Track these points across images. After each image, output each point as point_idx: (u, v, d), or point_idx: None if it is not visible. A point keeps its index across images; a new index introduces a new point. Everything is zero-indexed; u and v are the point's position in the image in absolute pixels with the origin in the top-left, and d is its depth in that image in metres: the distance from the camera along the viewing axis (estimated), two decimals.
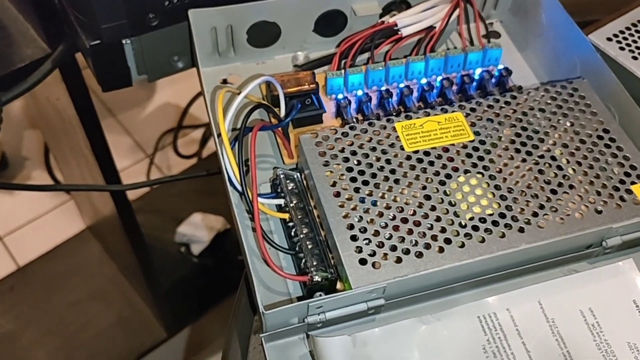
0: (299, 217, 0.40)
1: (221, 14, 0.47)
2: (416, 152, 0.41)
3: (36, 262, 1.06)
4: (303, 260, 0.38)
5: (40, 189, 0.53)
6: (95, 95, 0.60)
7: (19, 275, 1.06)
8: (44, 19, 0.51)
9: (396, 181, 0.39)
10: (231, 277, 1.06)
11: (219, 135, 0.41)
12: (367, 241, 0.37)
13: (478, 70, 0.48)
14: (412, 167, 0.40)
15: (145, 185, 0.62)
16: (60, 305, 1.01)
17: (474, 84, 0.47)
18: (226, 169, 0.40)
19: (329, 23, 0.50)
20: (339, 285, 0.38)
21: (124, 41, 0.47)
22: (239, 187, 0.40)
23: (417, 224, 0.37)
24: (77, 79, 0.56)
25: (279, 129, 0.44)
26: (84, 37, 0.46)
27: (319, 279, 0.37)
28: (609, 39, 0.50)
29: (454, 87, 0.47)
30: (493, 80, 0.47)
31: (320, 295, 0.38)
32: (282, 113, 0.44)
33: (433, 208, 0.38)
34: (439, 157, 0.40)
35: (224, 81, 0.49)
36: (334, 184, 0.39)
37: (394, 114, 0.45)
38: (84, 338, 0.98)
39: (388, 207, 0.38)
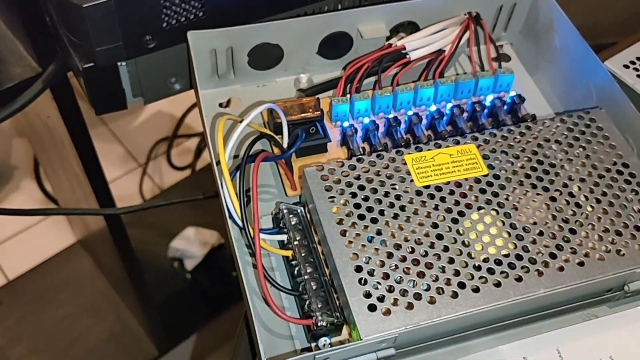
0: (303, 255, 0.38)
1: (222, 35, 0.44)
2: (427, 187, 0.39)
3: (26, 276, 1.04)
4: (307, 302, 0.36)
5: (32, 213, 0.51)
6: (85, 103, 0.57)
7: (8, 289, 1.03)
8: (34, 37, 0.49)
9: (407, 219, 0.37)
10: (225, 294, 1.04)
11: (218, 163, 0.39)
12: (376, 285, 0.34)
13: (489, 97, 0.46)
14: (423, 204, 0.38)
15: (140, 209, 0.60)
16: (50, 320, 0.98)
17: (485, 111, 0.45)
18: (226, 202, 0.38)
19: (334, 45, 0.48)
20: (345, 330, 0.36)
21: (119, 63, 0.44)
22: (240, 223, 0.37)
23: (429, 266, 0.35)
24: (68, 99, 0.54)
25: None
26: (76, 58, 0.44)
27: (325, 324, 0.35)
28: (626, 66, 0.48)
29: (465, 115, 0.45)
30: (505, 107, 0.45)
31: (325, 340, 0.36)
32: (285, 142, 0.42)
33: (446, 248, 0.36)
34: (452, 192, 0.38)
35: (225, 104, 0.47)
36: (340, 222, 0.37)
37: (403, 144, 0.43)
38: (74, 355, 0.95)
39: (398, 247, 0.36)
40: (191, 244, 1.03)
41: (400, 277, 0.35)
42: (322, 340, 0.35)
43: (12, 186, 1.21)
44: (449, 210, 0.38)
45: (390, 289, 0.34)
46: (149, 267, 0.99)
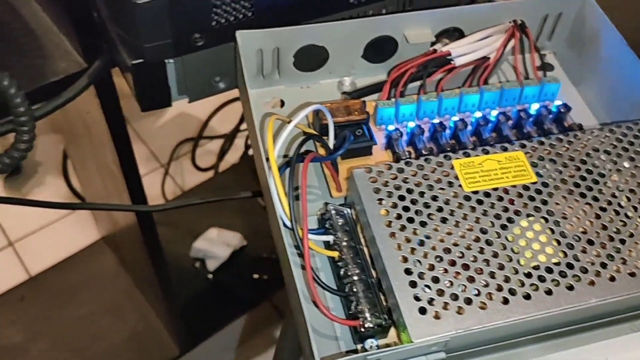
0: (350, 256, 0.38)
1: (270, 36, 0.45)
2: (476, 192, 0.38)
3: (48, 272, 1.04)
4: (354, 304, 0.36)
5: (64, 206, 0.51)
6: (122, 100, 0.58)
7: (31, 284, 1.03)
8: (81, 32, 0.50)
9: (455, 224, 0.37)
10: (245, 296, 1.04)
11: (267, 160, 0.39)
12: (426, 288, 0.34)
13: (535, 106, 0.46)
14: (472, 209, 0.38)
15: (174, 208, 0.60)
16: (71, 317, 0.98)
17: (531, 119, 0.45)
18: (275, 201, 0.38)
19: (379, 49, 0.48)
20: (392, 332, 0.36)
21: (166, 61, 0.45)
22: (289, 223, 0.37)
23: (479, 271, 0.35)
24: (111, 95, 0.54)
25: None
26: (125, 54, 0.44)
27: (372, 326, 0.35)
28: None
29: (510, 122, 0.45)
30: (550, 116, 0.45)
31: (372, 342, 0.35)
32: (332, 143, 0.42)
33: (495, 254, 0.36)
34: (500, 199, 0.38)
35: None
36: (389, 224, 0.37)
37: (449, 149, 0.43)
38: (94, 353, 0.95)
39: (447, 252, 0.36)
40: (214, 245, 1.03)
41: (450, 282, 0.35)
42: (369, 342, 0.35)
43: (35, 182, 1.22)
44: (497, 217, 0.37)
45: (441, 293, 0.34)
46: (171, 266, 0.99)
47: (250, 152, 1.20)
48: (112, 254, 1.05)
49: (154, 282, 0.86)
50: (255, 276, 1.03)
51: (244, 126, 1.20)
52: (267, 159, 0.39)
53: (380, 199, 0.38)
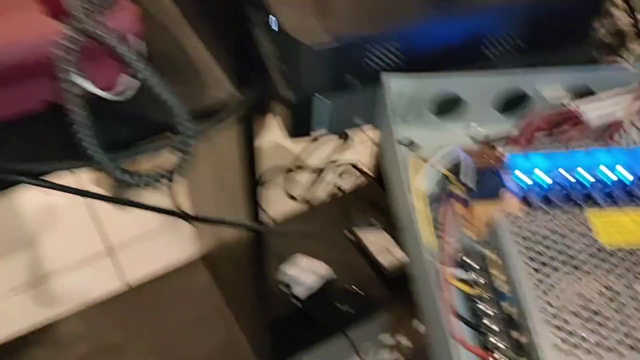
0: (486, 293, 0.40)
1: (412, 81, 0.48)
2: (611, 245, 0.40)
3: (148, 282, 1.11)
4: (487, 337, 0.38)
5: (187, 217, 0.55)
6: None
7: (132, 292, 1.10)
8: (237, 65, 0.55)
9: (594, 275, 0.39)
10: (326, 325, 1.06)
11: (409, 195, 0.42)
12: (567, 333, 0.36)
13: None
14: (614, 265, 0.39)
15: (295, 232, 0.63)
16: (166, 326, 1.03)
17: None
18: (419, 236, 0.41)
19: (510, 101, 0.51)
20: None
21: (316, 95, 0.49)
22: (429, 257, 0.40)
23: (623, 322, 0.37)
24: (248, 122, 0.59)
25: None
26: (283, 87, 0.49)
27: None
28: None
29: None
30: None
31: None
32: (467, 186, 0.45)
33: (638, 309, 0.37)
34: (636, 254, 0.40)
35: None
36: (528, 268, 0.39)
37: (581, 202, 0.45)
38: None
39: (590, 301, 0.38)
40: (302, 272, 1.07)
41: (591, 329, 0.36)
42: None
43: (138, 196, 1.29)
44: (638, 274, 0.39)
45: (582, 339, 0.36)
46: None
47: (344, 185, 1.24)
48: (207, 271, 1.10)
49: (245, 301, 0.90)
50: (343, 307, 1.06)
51: (334, 158, 1.24)
52: (409, 194, 0.42)
53: (518, 243, 0.40)
